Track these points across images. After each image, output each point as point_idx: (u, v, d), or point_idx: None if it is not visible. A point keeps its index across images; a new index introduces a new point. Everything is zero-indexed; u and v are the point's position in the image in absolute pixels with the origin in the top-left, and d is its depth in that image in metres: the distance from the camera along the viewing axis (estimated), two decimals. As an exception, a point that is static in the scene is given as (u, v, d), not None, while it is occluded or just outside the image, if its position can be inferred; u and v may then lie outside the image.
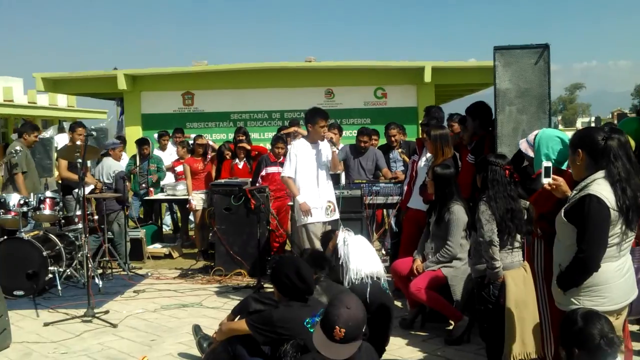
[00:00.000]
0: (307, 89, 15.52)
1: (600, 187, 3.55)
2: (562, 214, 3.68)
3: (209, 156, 10.71)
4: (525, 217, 4.70)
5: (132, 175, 11.11)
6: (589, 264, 3.56)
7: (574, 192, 3.71)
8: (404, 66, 15.42)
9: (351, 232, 5.57)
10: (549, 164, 3.95)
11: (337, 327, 3.46)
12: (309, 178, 7.06)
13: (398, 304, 6.64)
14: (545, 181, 3.93)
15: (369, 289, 5.06)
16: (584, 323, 3.19)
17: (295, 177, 7.08)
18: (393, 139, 9.30)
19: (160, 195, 10.71)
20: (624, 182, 3.56)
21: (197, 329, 5.54)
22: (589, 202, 3.52)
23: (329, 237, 5.86)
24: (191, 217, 10.89)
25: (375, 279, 5.21)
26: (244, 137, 10.34)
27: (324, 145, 7.20)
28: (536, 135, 4.99)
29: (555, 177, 3.93)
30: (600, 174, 3.60)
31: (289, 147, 7.91)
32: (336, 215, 7.28)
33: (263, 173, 9.38)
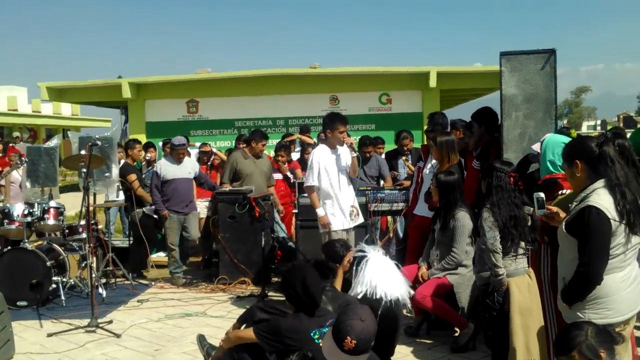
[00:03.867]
0: (311, 95, 15.53)
1: (600, 198, 3.49)
2: (563, 227, 3.63)
3: (215, 164, 10.68)
4: (530, 224, 4.66)
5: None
6: (591, 278, 3.50)
7: (575, 203, 3.65)
8: (409, 71, 15.40)
9: (379, 251, 5.26)
10: (542, 195, 3.92)
11: (348, 337, 3.46)
12: (332, 184, 6.96)
13: (404, 311, 6.59)
14: (540, 213, 3.91)
15: (382, 305, 4.90)
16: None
17: (319, 185, 6.99)
18: (406, 148, 9.29)
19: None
20: (623, 186, 3.49)
21: (201, 339, 5.49)
22: (589, 214, 3.46)
23: (331, 248, 5.77)
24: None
25: (395, 301, 5.02)
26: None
27: (343, 150, 7.11)
28: (543, 140, 4.95)
29: (550, 207, 3.90)
30: (600, 183, 3.54)
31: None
32: (360, 219, 7.21)
33: None
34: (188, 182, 9.05)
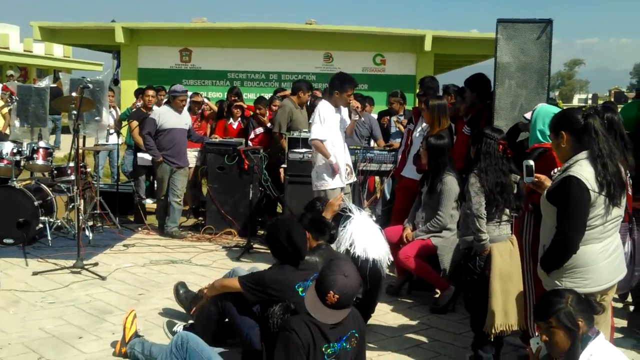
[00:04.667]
0: (305, 52, 15.44)
1: (582, 169, 3.55)
2: (545, 195, 3.70)
3: (206, 114, 10.65)
4: (515, 191, 4.72)
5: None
6: (567, 246, 3.57)
7: (558, 172, 3.71)
8: (404, 34, 15.32)
9: (364, 212, 5.33)
10: (531, 163, 3.97)
11: (331, 292, 3.52)
12: (332, 142, 7.01)
13: (386, 270, 6.69)
14: (528, 180, 3.97)
15: (369, 267, 4.99)
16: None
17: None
18: (391, 107, 9.33)
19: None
20: (606, 157, 3.54)
21: (179, 287, 5.55)
22: (569, 184, 3.52)
23: (312, 204, 5.83)
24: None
25: (376, 262, 5.11)
26: (236, 98, 10.29)
27: (344, 111, 7.23)
28: (535, 109, 5.00)
29: (538, 175, 3.95)
30: (583, 154, 3.60)
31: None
32: (353, 178, 7.33)
33: (252, 135, 9.38)
34: (185, 133, 8.85)
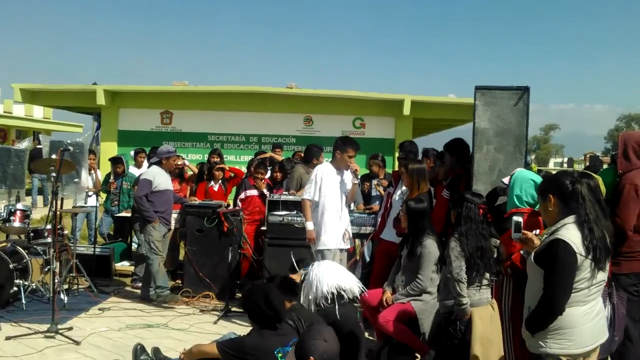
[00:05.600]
0: (286, 115, 15.62)
1: (569, 232, 3.60)
2: (532, 257, 3.73)
3: (186, 176, 10.64)
4: (495, 256, 4.74)
5: (107, 192, 11.07)
6: (553, 308, 3.59)
7: (545, 235, 3.75)
8: (383, 98, 15.56)
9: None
10: (520, 219, 4.01)
11: (311, 357, 3.49)
12: (333, 203, 7.05)
13: (366, 334, 6.62)
14: (516, 236, 3.99)
15: (337, 309, 5.01)
16: None
17: (319, 201, 7.06)
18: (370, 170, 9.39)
19: (131, 214, 10.60)
20: (592, 222, 3.61)
21: (138, 351, 5.46)
22: (556, 247, 3.56)
23: (295, 267, 5.86)
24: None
25: (347, 294, 5.15)
26: (218, 159, 10.31)
27: (347, 175, 7.26)
28: (512, 174, 5.06)
29: (526, 232, 3.99)
30: (571, 218, 3.66)
31: (276, 173, 7.85)
32: (350, 244, 7.36)
33: (242, 196, 9.36)
34: (172, 194, 8.71)
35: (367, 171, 9.59)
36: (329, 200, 7.03)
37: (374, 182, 9.29)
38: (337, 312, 4.92)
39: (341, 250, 7.10)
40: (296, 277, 5.56)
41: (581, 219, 3.62)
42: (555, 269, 3.55)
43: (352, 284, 5.21)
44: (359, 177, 7.65)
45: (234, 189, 10.19)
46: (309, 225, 7.02)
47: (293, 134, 15.61)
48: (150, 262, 8.16)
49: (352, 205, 8.92)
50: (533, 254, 3.73)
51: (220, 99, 15.56)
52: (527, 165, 6.53)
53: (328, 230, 7.02)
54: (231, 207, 9.26)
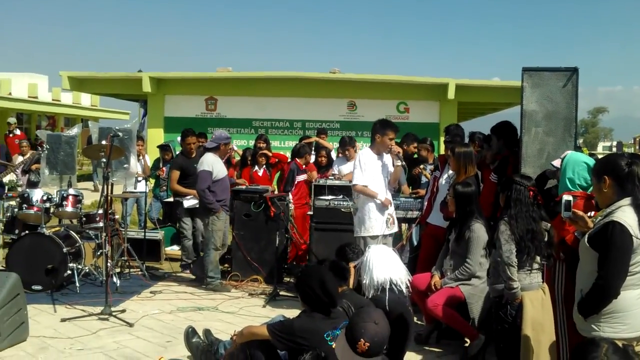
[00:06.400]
0: (329, 100, 15.64)
1: (625, 215, 3.55)
2: (586, 240, 3.69)
3: (233, 162, 10.75)
4: (546, 239, 4.70)
5: (155, 178, 11.26)
6: (608, 291, 3.56)
7: (599, 217, 3.71)
8: (427, 82, 15.48)
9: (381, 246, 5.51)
10: (570, 198, 3.97)
11: (362, 339, 3.52)
12: (376, 188, 6.99)
13: (415, 318, 6.63)
14: (566, 215, 3.94)
15: (387, 297, 5.02)
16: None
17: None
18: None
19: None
20: None
21: (190, 334, 5.53)
22: (612, 229, 3.52)
23: (342, 251, 5.86)
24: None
25: (396, 286, 5.16)
26: (264, 145, 10.38)
27: (387, 158, 7.19)
28: (564, 157, 5.00)
29: (576, 211, 3.94)
30: (626, 200, 3.60)
31: (321, 158, 7.85)
32: (395, 228, 7.26)
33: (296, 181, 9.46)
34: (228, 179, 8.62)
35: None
36: (372, 185, 6.98)
37: (421, 167, 9.22)
38: (386, 303, 4.92)
39: (385, 236, 7.06)
40: (351, 265, 5.56)
41: (637, 201, 3.57)
42: (611, 252, 3.52)
43: (402, 275, 5.19)
44: (402, 159, 7.56)
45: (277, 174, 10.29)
46: (381, 197, 6.93)
47: (337, 119, 15.65)
48: (208, 253, 8.21)
49: (399, 188, 8.92)
50: (587, 236, 3.69)
51: (264, 85, 15.66)
52: (578, 149, 6.46)
53: (372, 217, 6.96)
54: (276, 191, 9.35)
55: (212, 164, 8.21)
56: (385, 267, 5.13)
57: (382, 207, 6.97)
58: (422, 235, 7.56)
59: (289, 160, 10.20)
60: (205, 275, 8.22)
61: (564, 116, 6.26)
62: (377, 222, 6.95)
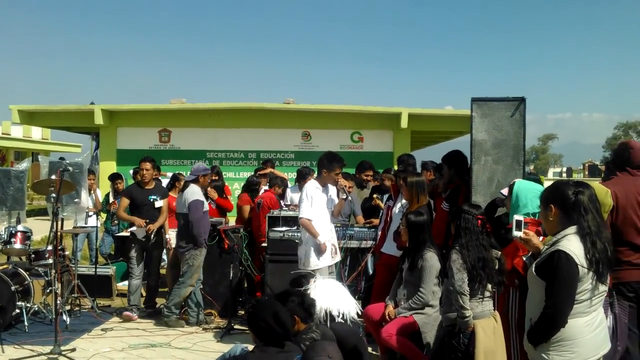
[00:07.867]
0: (284, 130, 15.68)
1: (570, 243, 3.58)
2: (533, 269, 3.72)
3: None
4: (497, 267, 4.75)
5: (107, 212, 11.08)
6: (556, 320, 3.58)
7: (545, 247, 3.75)
8: (380, 111, 15.63)
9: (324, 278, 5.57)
10: (521, 218, 4.01)
11: None
12: (321, 221, 7.06)
13: (369, 349, 6.61)
14: (517, 234, 3.98)
15: (335, 328, 5.02)
16: None
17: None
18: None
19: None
20: (594, 235, 3.59)
21: None
22: (558, 258, 3.55)
23: (297, 282, 5.84)
24: (164, 256, 10.65)
25: (343, 317, 5.17)
26: (217, 177, 10.32)
27: (332, 190, 7.32)
28: (512, 185, 5.07)
29: (527, 231, 3.98)
30: (572, 229, 3.64)
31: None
32: (338, 258, 7.33)
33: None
34: None
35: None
36: (318, 218, 7.05)
37: (375, 196, 9.26)
38: (327, 331, 4.92)
39: (329, 267, 7.10)
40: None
41: (583, 231, 3.59)
42: (557, 281, 3.54)
43: (349, 306, 5.23)
44: (348, 194, 7.64)
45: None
46: (321, 239, 6.97)
47: (292, 150, 15.68)
48: (181, 287, 8.01)
49: (351, 219, 8.94)
50: (534, 265, 3.72)
51: (218, 116, 15.62)
52: (534, 176, 6.55)
53: (316, 250, 7.02)
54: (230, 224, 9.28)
55: (199, 195, 8.06)
56: (328, 297, 5.16)
57: (325, 238, 7.02)
58: (376, 264, 7.57)
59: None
60: (166, 305, 8.08)
61: (513, 145, 6.36)
62: (321, 254, 7.01)
